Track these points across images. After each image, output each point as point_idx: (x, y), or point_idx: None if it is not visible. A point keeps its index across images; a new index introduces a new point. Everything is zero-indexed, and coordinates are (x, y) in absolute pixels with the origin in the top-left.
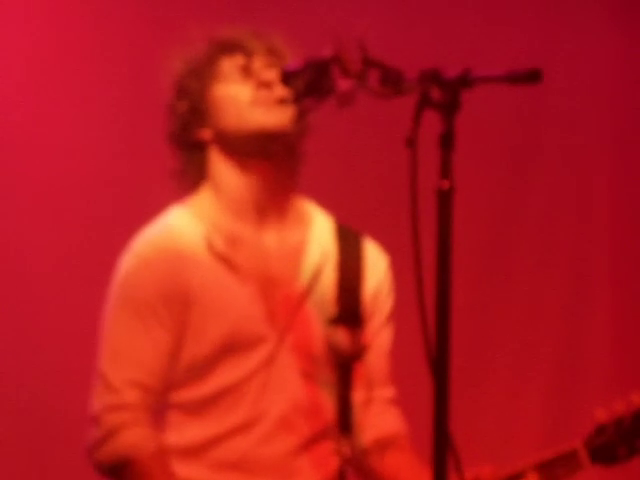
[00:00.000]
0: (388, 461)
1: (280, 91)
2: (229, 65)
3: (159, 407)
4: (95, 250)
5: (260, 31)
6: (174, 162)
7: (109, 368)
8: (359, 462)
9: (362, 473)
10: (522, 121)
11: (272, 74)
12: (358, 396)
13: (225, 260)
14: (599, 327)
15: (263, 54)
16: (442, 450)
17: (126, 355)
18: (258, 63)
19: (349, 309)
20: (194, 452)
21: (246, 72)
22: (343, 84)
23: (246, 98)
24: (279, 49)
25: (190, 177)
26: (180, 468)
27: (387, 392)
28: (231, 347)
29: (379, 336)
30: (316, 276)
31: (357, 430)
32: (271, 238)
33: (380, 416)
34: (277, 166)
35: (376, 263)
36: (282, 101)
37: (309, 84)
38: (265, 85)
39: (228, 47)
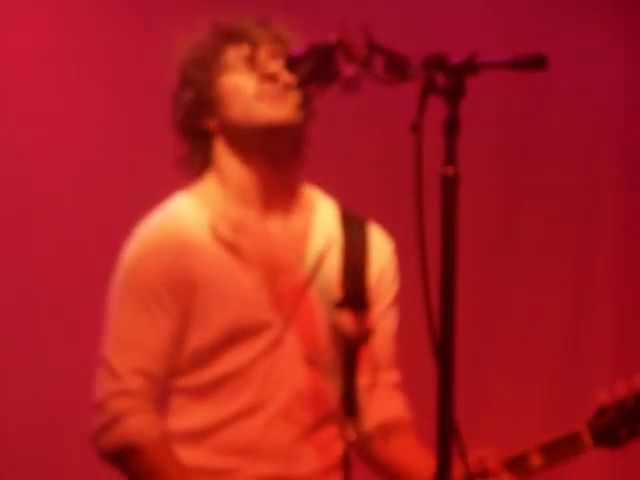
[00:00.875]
0: (392, 446)
1: (285, 81)
2: (235, 55)
3: (163, 393)
4: (100, 238)
5: (266, 19)
6: (179, 149)
7: (113, 355)
8: (363, 447)
9: (366, 458)
10: (528, 108)
11: (277, 65)
12: (363, 380)
13: (230, 246)
14: (602, 318)
15: (268, 43)
16: (446, 436)
17: (130, 342)
18: (263, 54)
19: (354, 293)
20: (197, 437)
21: (251, 62)
22: (348, 70)
23: (251, 91)
24: (285, 37)
25: (195, 165)
26: (183, 452)
27: (392, 377)
28: (236, 333)
29: (384, 321)
30: (320, 261)
31: (361, 415)
32: (275, 225)
33: (384, 401)
34: (282, 156)
35: (381, 248)
36: (287, 91)
37: (314, 70)
38: (270, 77)
39: (234, 36)
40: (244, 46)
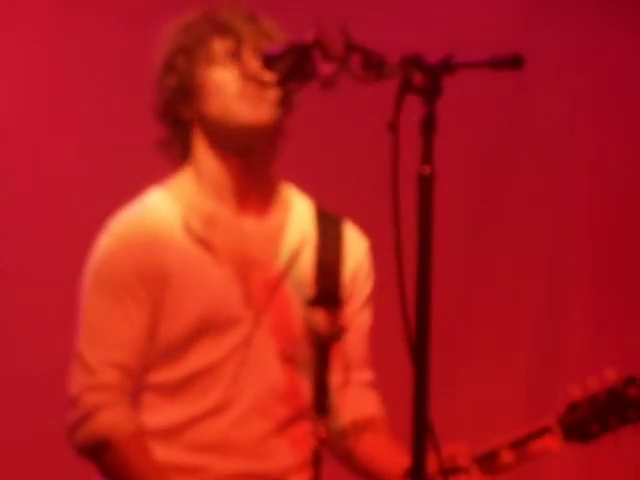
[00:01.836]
0: (364, 443)
1: (267, 80)
2: (220, 48)
3: (137, 388)
4: (74, 233)
5: (255, 14)
6: (160, 134)
7: (87, 349)
8: (336, 445)
9: (339, 456)
10: (505, 108)
11: (260, 64)
12: (335, 378)
13: (202, 241)
14: (577, 313)
15: (254, 40)
16: (421, 433)
17: (104, 335)
18: (248, 50)
19: (328, 290)
20: (169, 434)
21: (235, 57)
22: (325, 68)
23: (232, 89)
24: (272, 34)
25: (175, 151)
26: (155, 450)
27: (365, 375)
28: (207, 328)
29: (358, 319)
30: (294, 258)
31: (334, 412)
32: (250, 221)
33: (357, 399)
34: (258, 154)
35: (355, 246)
36: (267, 91)
37: (291, 68)
38: (252, 77)
39: (221, 28)
40: (230, 39)
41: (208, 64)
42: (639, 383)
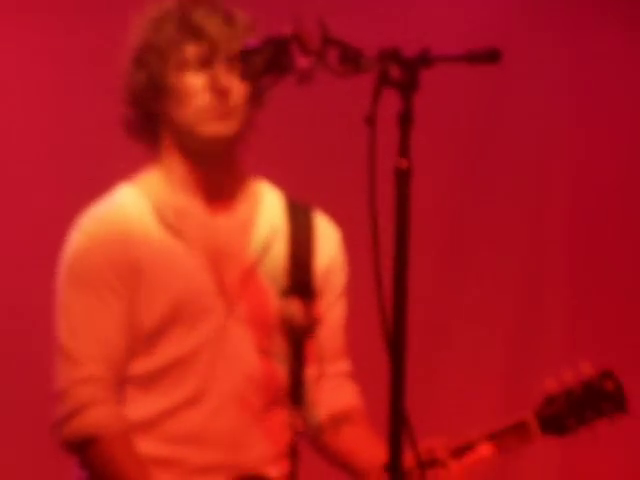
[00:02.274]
0: (343, 436)
1: (235, 97)
2: (192, 53)
3: (120, 381)
4: (43, 230)
5: (231, 13)
6: (125, 113)
7: (72, 343)
8: (315, 437)
9: (319, 448)
10: (482, 101)
11: (230, 79)
12: (311, 370)
13: (175, 231)
14: (556, 302)
15: (228, 47)
16: (398, 426)
17: (87, 330)
18: (220, 62)
19: (300, 281)
20: (145, 426)
21: (208, 65)
22: (302, 62)
23: (200, 101)
24: (248, 35)
25: (143, 135)
26: (134, 442)
27: (342, 366)
28: (179, 317)
29: (333, 310)
30: (265, 249)
31: (312, 405)
32: (219, 215)
33: (335, 390)
34: (224, 159)
35: (327, 236)
36: (236, 108)
37: (268, 62)
38: (222, 93)
39: (195, 33)
40: (203, 45)
41: (179, 69)
42: (615, 377)
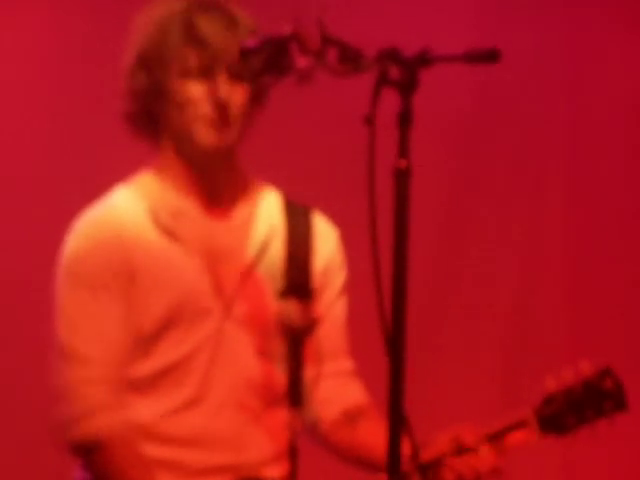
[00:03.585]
0: (359, 431)
1: (234, 108)
2: (194, 61)
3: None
4: (40, 233)
5: (234, 15)
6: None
7: (76, 342)
8: (327, 435)
9: (331, 446)
10: (479, 101)
11: (230, 91)
12: (310, 370)
13: (170, 233)
14: (552, 299)
15: (230, 55)
16: (397, 425)
17: (89, 330)
18: (221, 72)
19: (298, 282)
20: (145, 429)
21: (209, 73)
22: (301, 61)
23: (199, 111)
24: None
25: (142, 128)
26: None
27: (346, 364)
28: (177, 320)
29: (333, 309)
30: (263, 250)
31: (322, 403)
32: (217, 216)
33: (345, 387)
34: (222, 165)
35: (325, 236)
36: (235, 120)
37: (267, 61)
38: (221, 105)
39: (198, 41)
40: (206, 54)
41: (181, 75)
42: (614, 375)
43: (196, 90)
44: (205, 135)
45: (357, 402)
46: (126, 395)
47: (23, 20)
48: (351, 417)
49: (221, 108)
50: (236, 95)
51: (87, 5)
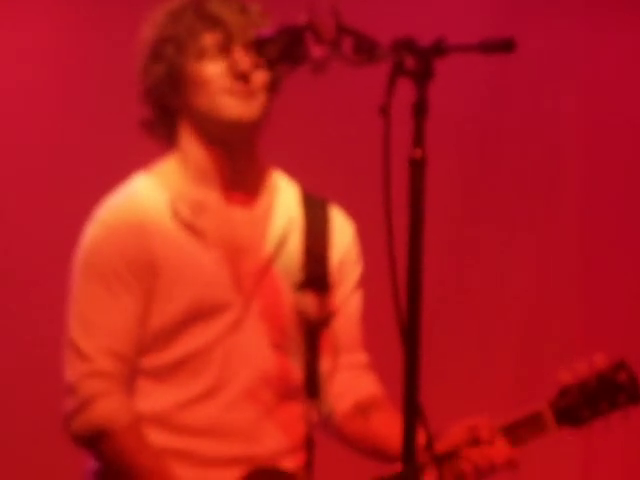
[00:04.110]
0: (373, 422)
1: (256, 81)
2: (209, 42)
3: (131, 375)
4: (60, 221)
5: (247, 5)
6: (144, 114)
7: (81, 337)
8: (341, 427)
9: (345, 438)
10: (495, 91)
11: (250, 63)
12: (326, 363)
13: (190, 227)
14: (568, 292)
15: (244, 33)
16: (412, 418)
17: (97, 323)
18: (239, 46)
19: (316, 275)
20: (160, 418)
21: (226, 52)
22: (317, 51)
23: (221, 85)
24: (262, 24)
25: (159, 133)
26: (147, 434)
27: (360, 357)
28: (197, 313)
29: (348, 303)
30: (282, 243)
31: (335, 396)
32: (236, 208)
33: (358, 379)
34: (244, 146)
35: (342, 229)
36: (256, 91)
37: (283, 51)
38: (242, 76)
39: (211, 21)
40: (220, 33)
41: (198, 58)
42: (628, 368)
43: (214, 69)
44: (231, 106)
45: (370, 394)
46: (135, 385)
47: (23, 20)
48: (364, 408)
49: (242, 80)
50: (255, 69)
51: (88, 5)
